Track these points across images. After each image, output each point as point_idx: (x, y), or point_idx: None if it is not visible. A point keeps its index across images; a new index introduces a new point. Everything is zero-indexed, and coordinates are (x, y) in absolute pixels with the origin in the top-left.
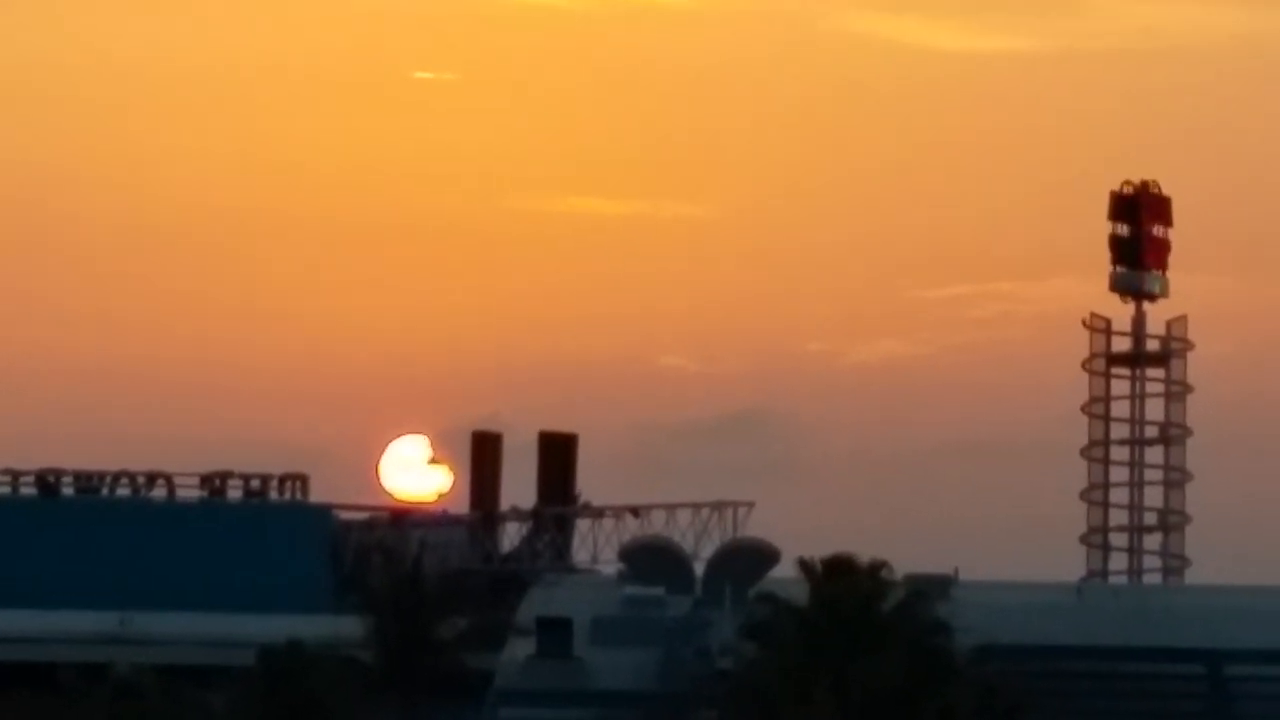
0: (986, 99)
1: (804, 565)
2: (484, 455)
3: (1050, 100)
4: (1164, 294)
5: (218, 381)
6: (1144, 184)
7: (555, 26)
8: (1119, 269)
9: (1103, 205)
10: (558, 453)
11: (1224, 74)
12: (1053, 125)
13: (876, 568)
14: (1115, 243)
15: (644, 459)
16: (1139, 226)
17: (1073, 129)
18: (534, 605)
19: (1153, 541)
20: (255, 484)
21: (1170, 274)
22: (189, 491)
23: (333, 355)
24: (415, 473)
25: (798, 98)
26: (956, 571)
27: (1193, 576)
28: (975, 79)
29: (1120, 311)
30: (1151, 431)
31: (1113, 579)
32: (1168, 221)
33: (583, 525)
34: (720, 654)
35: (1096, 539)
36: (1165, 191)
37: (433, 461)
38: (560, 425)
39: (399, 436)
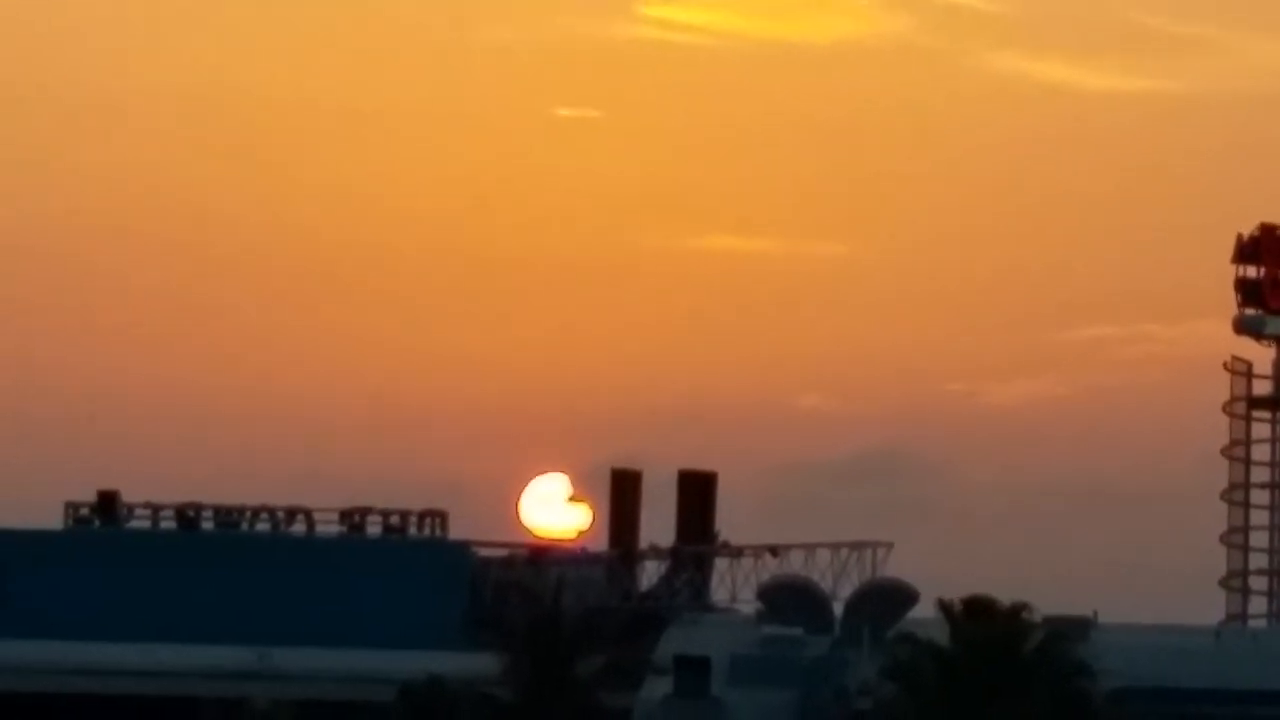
0: (1127, 139)
1: (944, 606)
2: (623, 493)
3: (1193, 140)
4: None
5: (358, 417)
6: (1270, 226)
7: (697, 64)
8: (1245, 311)
9: None
10: (697, 491)
11: None
12: (1193, 165)
13: (1017, 609)
14: (1241, 285)
15: (783, 498)
16: (1265, 269)
17: (1213, 169)
18: (672, 644)
19: None
20: (395, 520)
21: None
22: (328, 527)
23: (473, 391)
24: (555, 510)
25: (938, 137)
26: (1095, 614)
27: None
28: (1116, 119)
29: (1261, 355)
30: None
31: (1252, 623)
32: None
33: (721, 564)
34: (858, 695)
35: (1236, 583)
36: None
37: (572, 499)
38: (699, 464)
39: (538, 473)
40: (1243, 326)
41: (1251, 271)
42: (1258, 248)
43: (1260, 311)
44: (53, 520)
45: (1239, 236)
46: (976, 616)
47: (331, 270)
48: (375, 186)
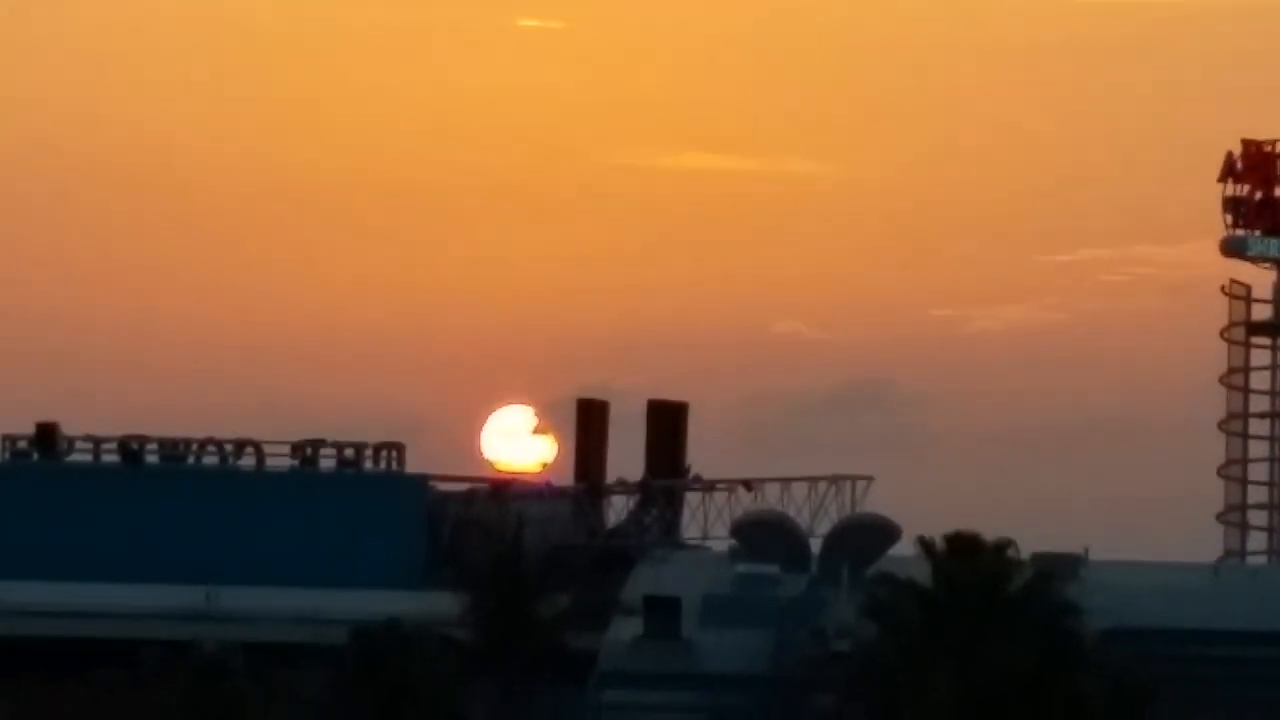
0: (1122, 54)
1: (925, 544)
2: (590, 425)
3: (1186, 53)
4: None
5: (311, 345)
6: (1250, 143)
7: None
8: (1233, 233)
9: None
10: (667, 422)
11: None
12: (1186, 80)
13: (1002, 546)
14: (1228, 205)
15: (758, 430)
16: (1249, 187)
17: (1207, 83)
18: (641, 583)
19: None
20: (349, 453)
21: None
22: (279, 460)
23: (432, 319)
24: (519, 442)
25: (924, 56)
26: (1086, 551)
27: None
28: (1107, 35)
29: (1262, 278)
30: None
31: (1251, 559)
32: None
33: (693, 499)
34: (836, 636)
35: (1234, 517)
36: None
37: (537, 431)
38: (670, 394)
39: (501, 404)
40: (1228, 248)
41: (1238, 190)
42: (1243, 165)
43: (1245, 232)
44: None
45: (1228, 155)
46: (960, 554)
47: (283, 193)
48: (331, 107)
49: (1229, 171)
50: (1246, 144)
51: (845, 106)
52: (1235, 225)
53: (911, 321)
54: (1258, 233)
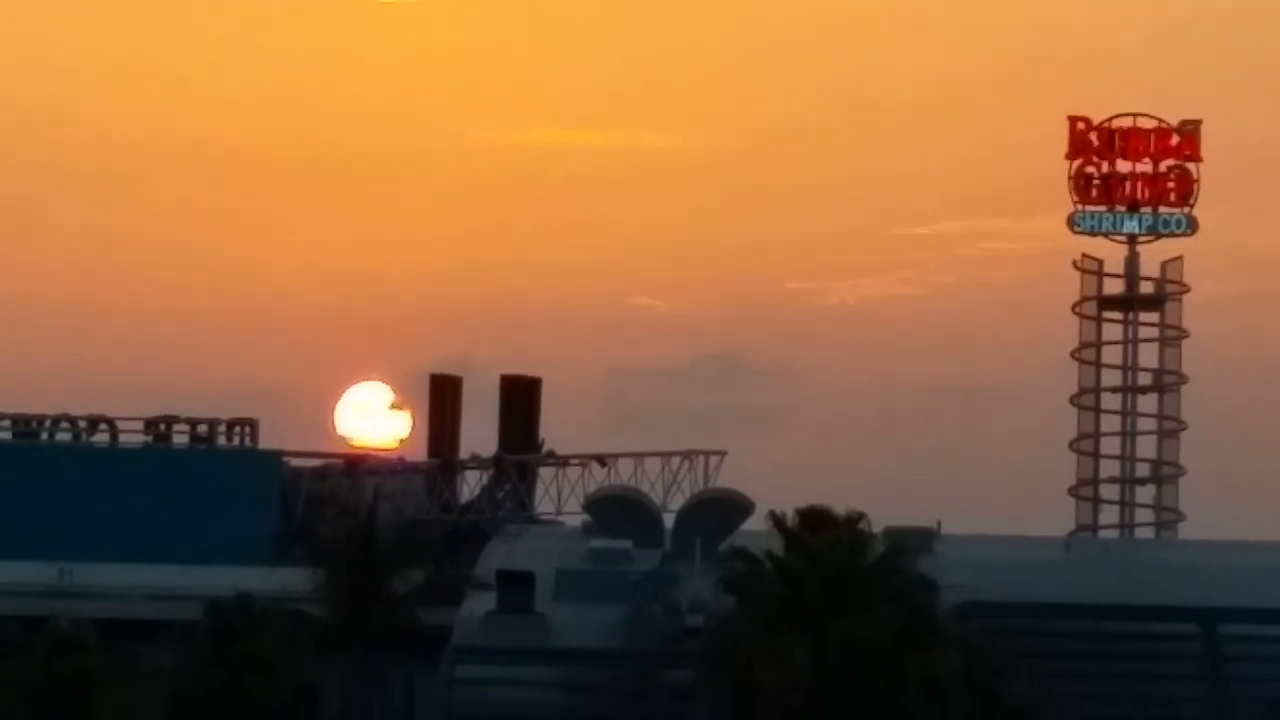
0: (976, 25)
1: (775, 519)
2: (443, 400)
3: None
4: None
5: (164, 321)
6: (1076, 119)
7: None
8: (1079, 208)
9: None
10: (520, 397)
11: None
12: (1045, 53)
13: (854, 520)
14: (1073, 180)
15: (612, 405)
16: (1078, 161)
17: (1057, 53)
18: (494, 558)
19: (1145, 494)
20: (203, 429)
21: (1167, 212)
22: (133, 437)
23: (285, 294)
24: (374, 419)
25: (778, 27)
26: (939, 525)
27: (1186, 531)
28: (963, 4)
29: (1113, 252)
30: (1145, 379)
31: (1103, 533)
32: (1140, 155)
33: (546, 474)
34: (690, 611)
35: (1087, 491)
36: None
37: (394, 406)
38: (524, 369)
39: (354, 380)
40: (1073, 222)
41: (1083, 166)
42: (1085, 141)
43: (1085, 207)
44: None
45: (1072, 129)
46: (812, 528)
47: (134, 165)
48: (182, 76)
49: (1078, 147)
50: (1073, 120)
51: (699, 79)
52: (1083, 201)
53: (766, 294)
54: (1104, 208)
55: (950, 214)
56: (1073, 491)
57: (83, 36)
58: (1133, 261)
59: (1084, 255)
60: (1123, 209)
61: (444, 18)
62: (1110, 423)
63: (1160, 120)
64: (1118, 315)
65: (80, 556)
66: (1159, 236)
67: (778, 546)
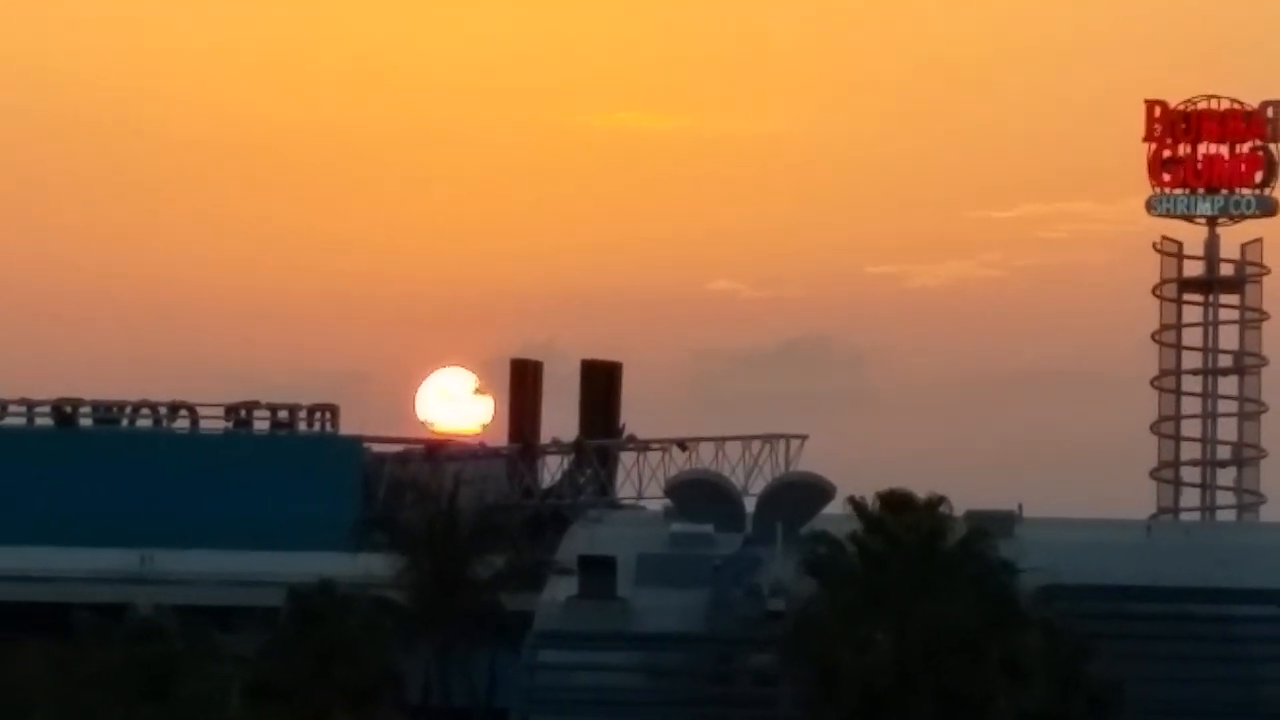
0: (1063, 7)
1: (855, 504)
2: (524, 385)
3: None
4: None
5: (245, 307)
6: (1153, 104)
7: None
8: (1158, 191)
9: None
10: (601, 382)
11: None
12: (1122, 35)
13: (935, 503)
14: (1152, 163)
15: (693, 389)
16: (1156, 145)
17: (1141, 38)
18: (575, 543)
19: (1226, 476)
20: (283, 415)
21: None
22: (213, 423)
23: (367, 279)
24: (458, 404)
25: (864, 15)
26: (1020, 508)
27: (1268, 513)
28: None
29: (1193, 235)
30: (1225, 361)
31: (1184, 516)
32: (1222, 137)
33: (627, 459)
34: (771, 594)
35: (1167, 474)
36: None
37: (478, 392)
38: (605, 353)
39: (435, 365)
40: (1151, 205)
41: (1159, 150)
42: (1161, 126)
43: (1163, 190)
44: None
45: (1150, 113)
46: (892, 512)
47: (216, 151)
48: (257, 59)
49: (1154, 130)
50: (1149, 104)
51: (782, 63)
52: (1162, 184)
53: (847, 278)
54: (1184, 190)
55: (1032, 197)
56: (1154, 474)
57: (169, 28)
58: (1212, 244)
59: (1164, 238)
60: (1200, 191)
61: (529, 2)
62: (1191, 405)
63: (1237, 102)
64: (1198, 297)
65: (161, 543)
66: (1235, 219)
67: (859, 531)
